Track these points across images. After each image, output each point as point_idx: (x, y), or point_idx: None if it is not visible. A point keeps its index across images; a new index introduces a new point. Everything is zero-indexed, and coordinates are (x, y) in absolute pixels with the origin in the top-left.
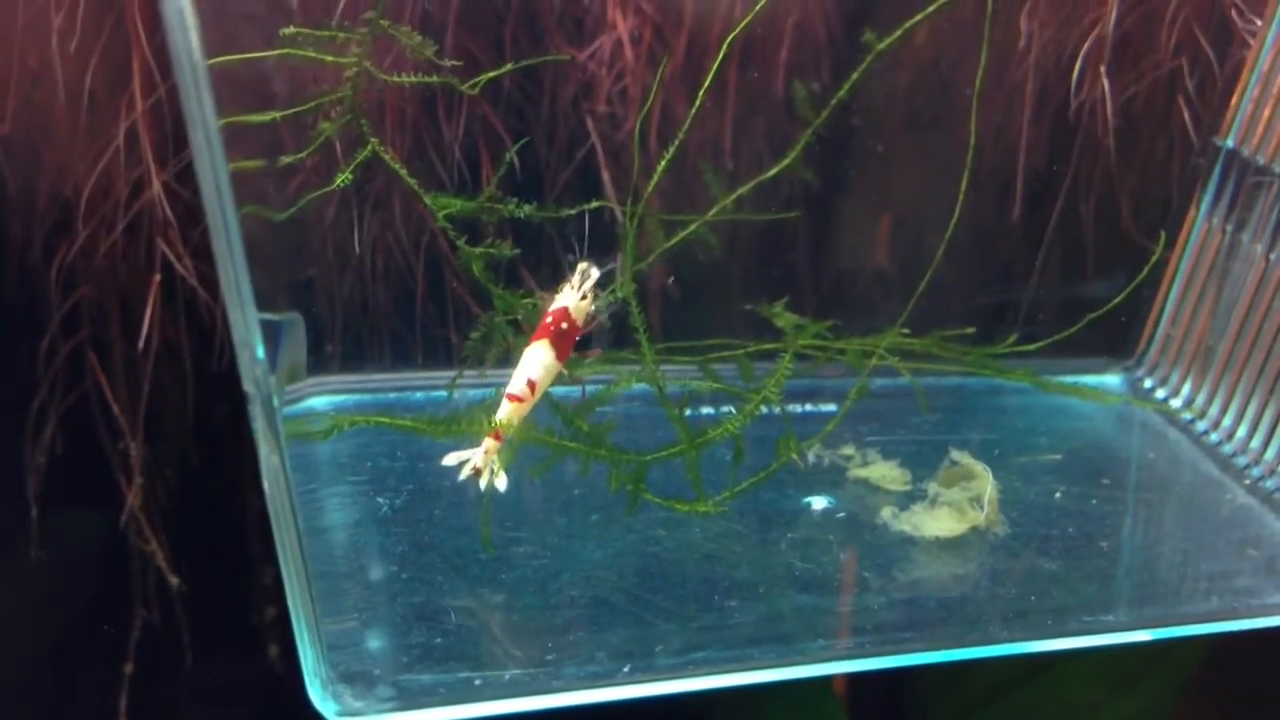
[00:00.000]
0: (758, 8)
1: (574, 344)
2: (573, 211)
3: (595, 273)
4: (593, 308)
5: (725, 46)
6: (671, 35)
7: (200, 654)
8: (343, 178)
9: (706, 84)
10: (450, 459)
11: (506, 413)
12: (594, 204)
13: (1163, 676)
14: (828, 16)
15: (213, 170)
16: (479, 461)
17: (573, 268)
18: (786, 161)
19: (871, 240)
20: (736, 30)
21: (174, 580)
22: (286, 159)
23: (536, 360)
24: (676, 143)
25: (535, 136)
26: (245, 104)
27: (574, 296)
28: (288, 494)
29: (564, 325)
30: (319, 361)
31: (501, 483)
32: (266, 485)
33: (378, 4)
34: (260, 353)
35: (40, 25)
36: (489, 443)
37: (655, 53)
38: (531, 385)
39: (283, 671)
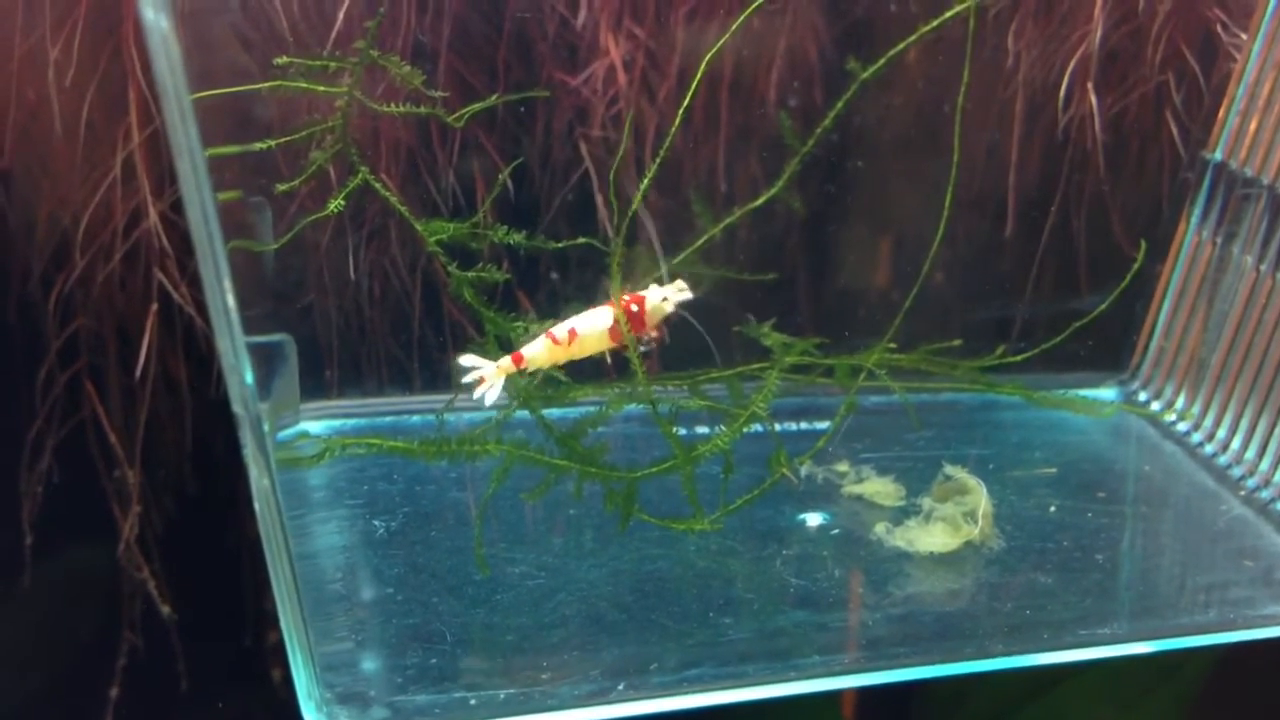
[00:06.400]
0: (737, 23)
1: (631, 333)
2: (560, 244)
3: (685, 295)
4: (668, 309)
5: (704, 64)
6: (665, 60)
7: (201, 680)
8: (334, 204)
9: (686, 102)
10: (466, 359)
11: (538, 346)
12: (580, 239)
13: (1170, 693)
14: (819, 38)
15: (199, 196)
16: (488, 374)
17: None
18: (774, 190)
19: (866, 260)
20: (715, 47)
21: (164, 609)
22: (282, 187)
23: (593, 319)
24: (655, 165)
25: (530, 161)
26: (240, 133)
27: (657, 295)
28: (278, 515)
29: (635, 309)
30: (317, 386)
31: (491, 397)
32: (257, 507)
33: (368, 34)
34: (249, 375)
35: (38, 58)
36: (505, 361)
37: (649, 78)
38: (573, 334)
39: (285, 696)
